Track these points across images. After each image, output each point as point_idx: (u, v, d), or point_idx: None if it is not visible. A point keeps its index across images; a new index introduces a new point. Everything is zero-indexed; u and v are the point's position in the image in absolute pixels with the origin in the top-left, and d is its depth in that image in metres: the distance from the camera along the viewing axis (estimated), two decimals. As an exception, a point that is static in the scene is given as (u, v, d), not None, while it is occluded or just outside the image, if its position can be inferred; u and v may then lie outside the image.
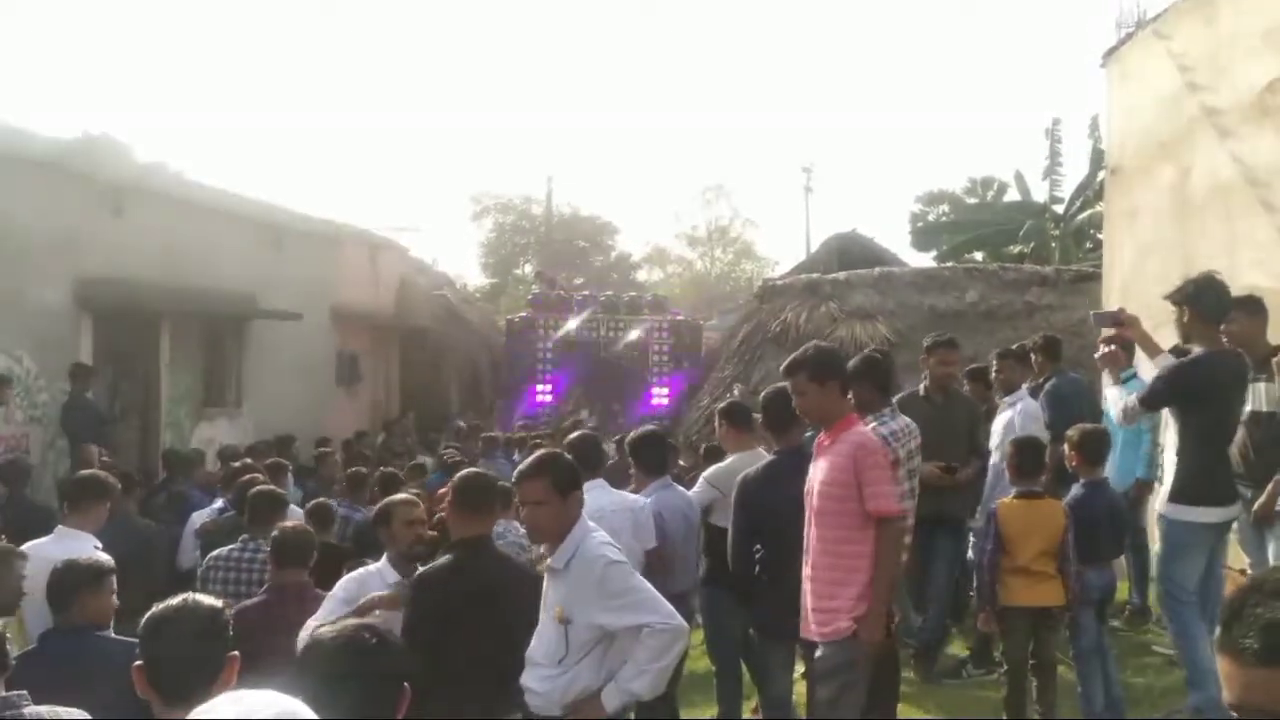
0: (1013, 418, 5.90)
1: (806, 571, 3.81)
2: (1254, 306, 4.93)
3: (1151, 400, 4.58)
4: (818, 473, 3.79)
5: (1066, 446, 4.91)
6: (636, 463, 5.03)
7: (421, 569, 3.72)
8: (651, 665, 3.11)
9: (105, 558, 3.71)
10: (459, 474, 3.98)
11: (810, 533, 3.79)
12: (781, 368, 4.03)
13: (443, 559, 3.62)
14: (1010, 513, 4.71)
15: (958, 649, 6.19)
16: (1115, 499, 5.15)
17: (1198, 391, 4.49)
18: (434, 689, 3.08)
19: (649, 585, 3.22)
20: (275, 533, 4.14)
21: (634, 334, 17.46)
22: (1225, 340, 4.80)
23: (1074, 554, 4.65)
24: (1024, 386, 6.26)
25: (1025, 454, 4.81)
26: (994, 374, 6.54)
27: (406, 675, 1.90)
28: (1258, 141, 6.89)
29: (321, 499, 6.38)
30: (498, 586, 3.47)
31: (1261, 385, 4.82)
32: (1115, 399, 4.77)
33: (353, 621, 2.18)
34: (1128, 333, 4.79)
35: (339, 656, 1.85)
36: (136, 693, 2.08)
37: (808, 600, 3.80)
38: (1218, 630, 1.31)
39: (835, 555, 3.67)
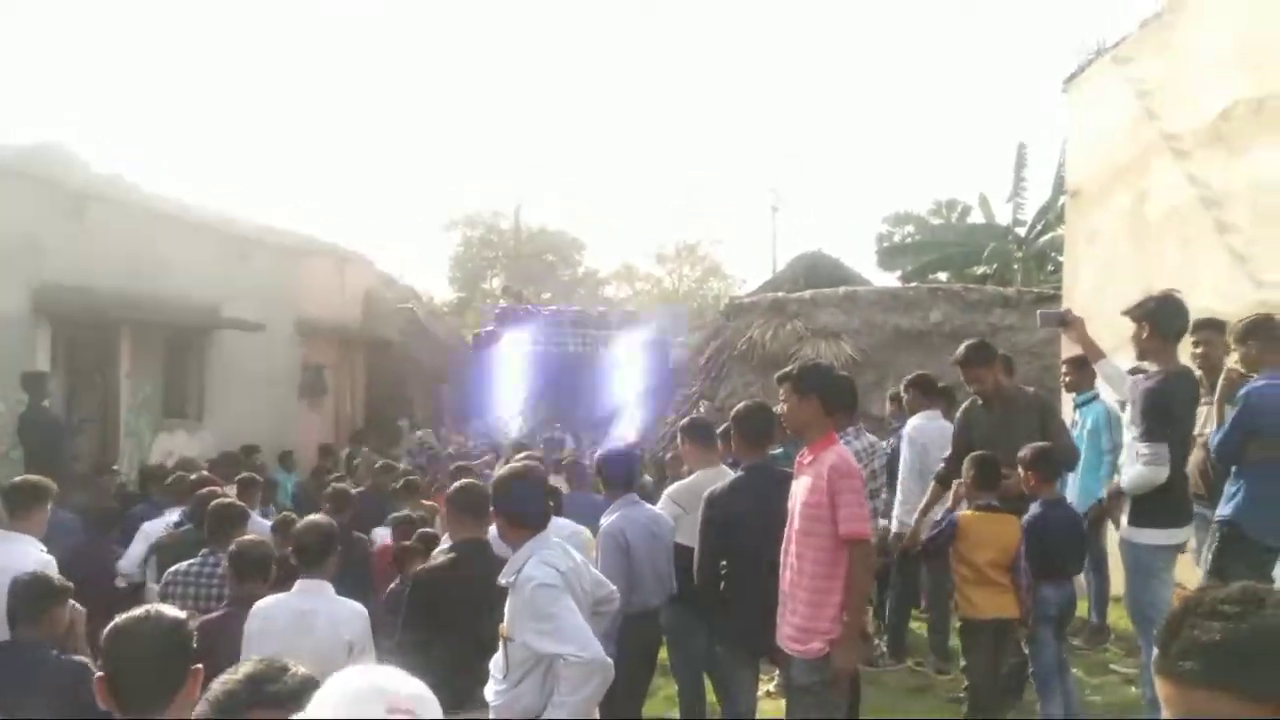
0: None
1: (785, 586, 3.85)
2: (1222, 329, 4.99)
3: (1155, 436, 4.43)
4: (799, 490, 3.86)
5: (1020, 467, 4.91)
6: (603, 479, 5.04)
7: (421, 566, 4.12)
8: (569, 697, 3.10)
9: (55, 574, 3.68)
10: (455, 483, 4.34)
11: (790, 549, 3.84)
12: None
13: (441, 558, 4.02)
14: (969, 525, 4.80)
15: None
16: (1074, 516, 5.22)
17: (1170, 413, 4.47)
18: (430, 674, 3.36)
19: (576, 614, 3.21)
20: (233, 546, 4.11)
21: (602, 349, 17.50)
22: (1195, 361, 4.86)
23: (1027, 569, 4.74)
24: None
25: (982, 469, 4.88)
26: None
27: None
28: (1212, 166, 7.06)
29: (286, 513, 6.31)
30: (492, 576, 3.53)
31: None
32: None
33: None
34: (1071, 333, 4.84)
35: (237, 689, 1.80)
36: (79, 712, 2.06)
37: (786, 615, 3.83)
38: (1154, 652, 1.33)
39: (814, 576, 3.72)
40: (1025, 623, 4.75)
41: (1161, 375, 4.50)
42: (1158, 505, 4.50)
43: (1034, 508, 4.89)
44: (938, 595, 6.32)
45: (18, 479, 5.03)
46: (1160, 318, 4.50)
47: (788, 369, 4.14)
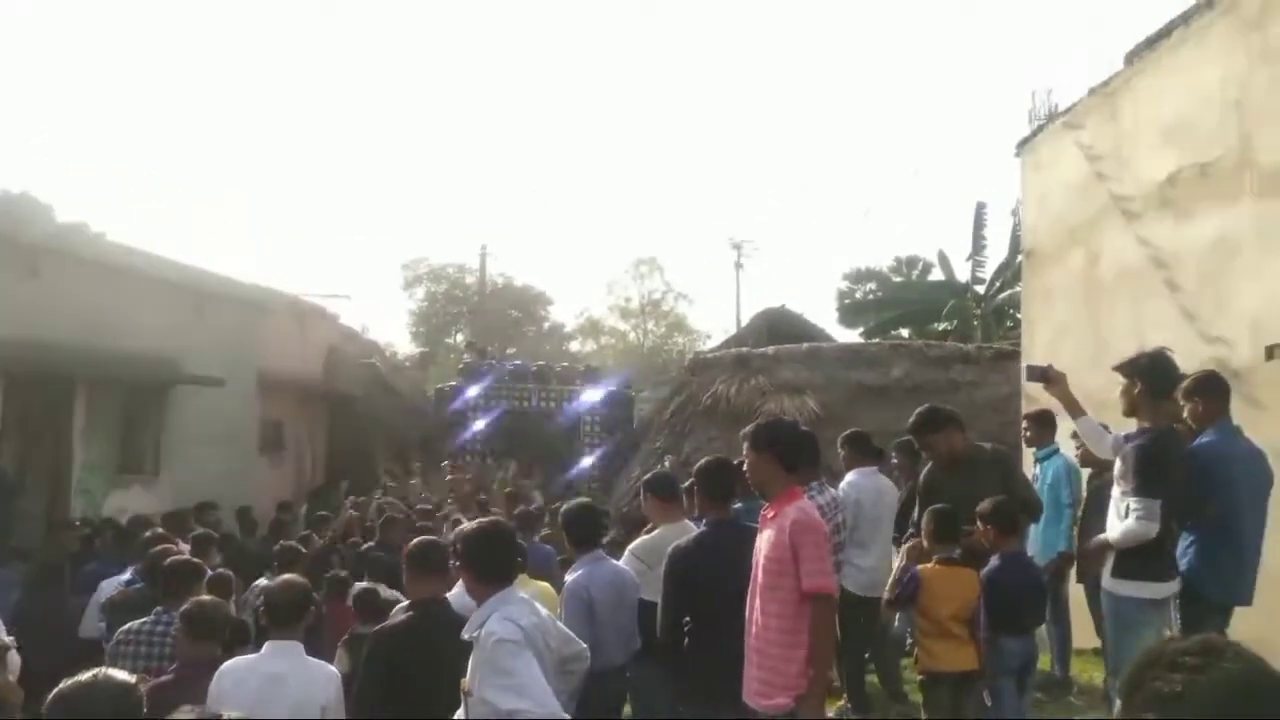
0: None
1: (750, 641, 3.84)
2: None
3: (1147, 492, 4.35)
4: (763, 545, 3.87)
5: (978, 521, 4.91)
6: (568, 534, 5.00)
7: (379, 626, 4.04)
8: None
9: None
10: (414, 540, 4.30)
11: (755, 604, 3.84)
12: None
13: (400, 617, 3.94)
14: (931, 579, 4.82)
15: None
16: (1034, 569, 5.25)
17: (1161, 469, 4.43)
18: None
19: (536, 671, 3.17)
20: (188, 605, 4.04)
21: (567, 404, 17.45)
22: (1186, 419, 4.89)
23: (985, 622, 4.76)
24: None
25: (940, 522, 4.91)
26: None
27: None
28: (1160, 228, 7.28)
29: (221, 570, 6.16)
30: (452, 635, 3.47)
31: None
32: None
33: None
34: (1053, 389, 4.89)
35: None
36: None
37: (751, 670, 3.81)
38: (1117, 703, 1.35)
39: (779, 630, 3.72)
40: (984, 674, 4.75)
41: (1152, 433, 4.49)
42: (1142, 559, 4.45)
43: (993, 561, 4.91)
44: (882, 646, 6.33)
45: None
46: (1152, 375, 4.51)
47: (747, 428, 4.17)
